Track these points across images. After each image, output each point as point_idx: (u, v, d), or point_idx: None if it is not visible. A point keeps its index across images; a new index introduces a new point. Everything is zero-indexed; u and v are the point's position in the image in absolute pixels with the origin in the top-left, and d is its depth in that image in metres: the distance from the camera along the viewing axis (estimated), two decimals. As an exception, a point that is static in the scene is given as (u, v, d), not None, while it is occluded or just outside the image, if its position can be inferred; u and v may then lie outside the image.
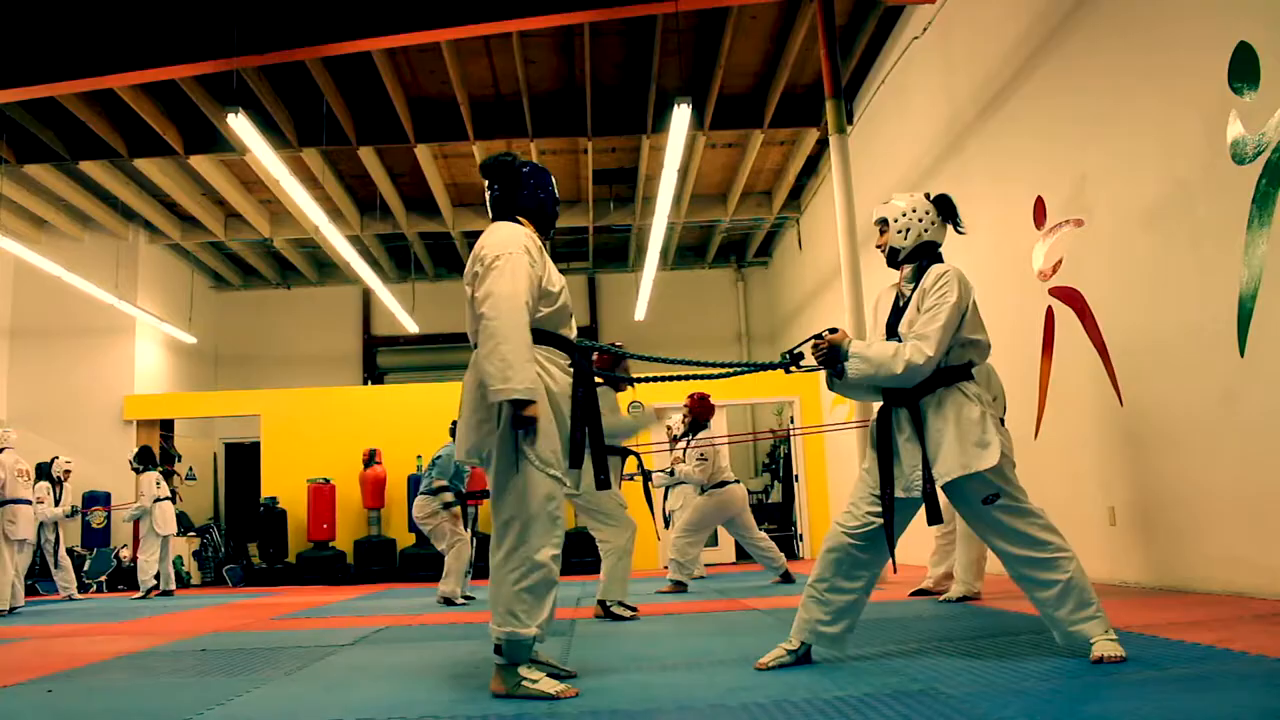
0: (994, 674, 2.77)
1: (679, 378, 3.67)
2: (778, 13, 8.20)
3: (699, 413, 7.29)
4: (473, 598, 7.06)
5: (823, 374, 3.19)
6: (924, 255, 3.17)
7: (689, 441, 7.35)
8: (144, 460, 9.63)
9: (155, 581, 9.36)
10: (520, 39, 8.18)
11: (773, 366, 3.35)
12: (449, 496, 6.92)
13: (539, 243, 3.08)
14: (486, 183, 3.22)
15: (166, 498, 9.48)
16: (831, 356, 3.06)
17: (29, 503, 8.11)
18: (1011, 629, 3.72)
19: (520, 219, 3.14)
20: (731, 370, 3.58)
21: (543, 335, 2.97)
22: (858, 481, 3.19)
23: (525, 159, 3.23)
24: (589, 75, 8.84)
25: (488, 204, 3.20)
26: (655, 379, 3.70)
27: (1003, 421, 5.20)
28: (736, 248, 14.79)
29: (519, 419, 2.78)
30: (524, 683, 2.79)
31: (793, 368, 3.26)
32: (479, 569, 7.58)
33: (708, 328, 14.68)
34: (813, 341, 3.13)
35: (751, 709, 2.49)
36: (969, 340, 3.07)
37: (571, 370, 3.04)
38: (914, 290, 3.12)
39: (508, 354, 2.76)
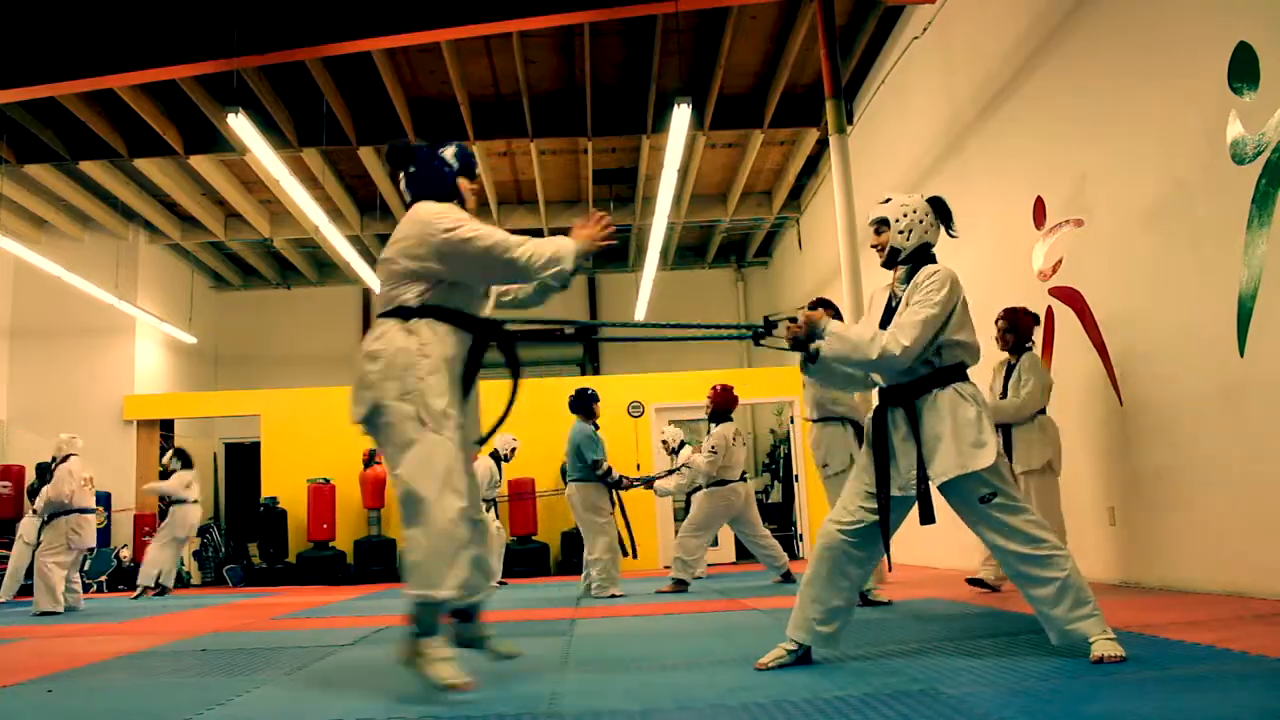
0: (994, 674, 2.77)
1: (648, 340, 3.64)
2: (778, 13, 8.20)
3: (719, 403, 7.24)
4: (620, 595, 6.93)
5: (797, 359, 3.17)
6: (919, 256, 3.20)
7: (709, 430, 7.34)
8: (182, 459, 9.66)
9: (153, 582, 9.37)
10: (520, 39, 8.18)
11: (740, 330, 3.35)
12: (612, 475, 6.95)
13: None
14: (400, 174, 3.28)
15: (194, 501, 9.46)
16: (809, 333, 3.06)
17: (93, 511, 8.09)
18: (1011, 629, 3.72)
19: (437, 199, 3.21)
20: (693, 332, 3.59)
21: (444, 312, 3.07)
22: (851, 479, 3.21)
23: (422, 142, 3.31)
24: (589, 75, 8.84)
25: (404, 191, 3.27)
26: (624, 339, 3.70)
27: (1044, 410, 5.20)
28: (736, 248, 14.80)
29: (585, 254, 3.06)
30: (423, 658, 2.79)
31: (764, 340, 3.26)
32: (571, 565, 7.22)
33: (708, 328, 14.68)
34: (785, 322, 3.12)
35: (751, 709, 2.49)
36: (957, 341, 3.08)
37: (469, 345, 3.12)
38: (906, 290, 3.14)
39: (535, 247, 3.02)
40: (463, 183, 3.29)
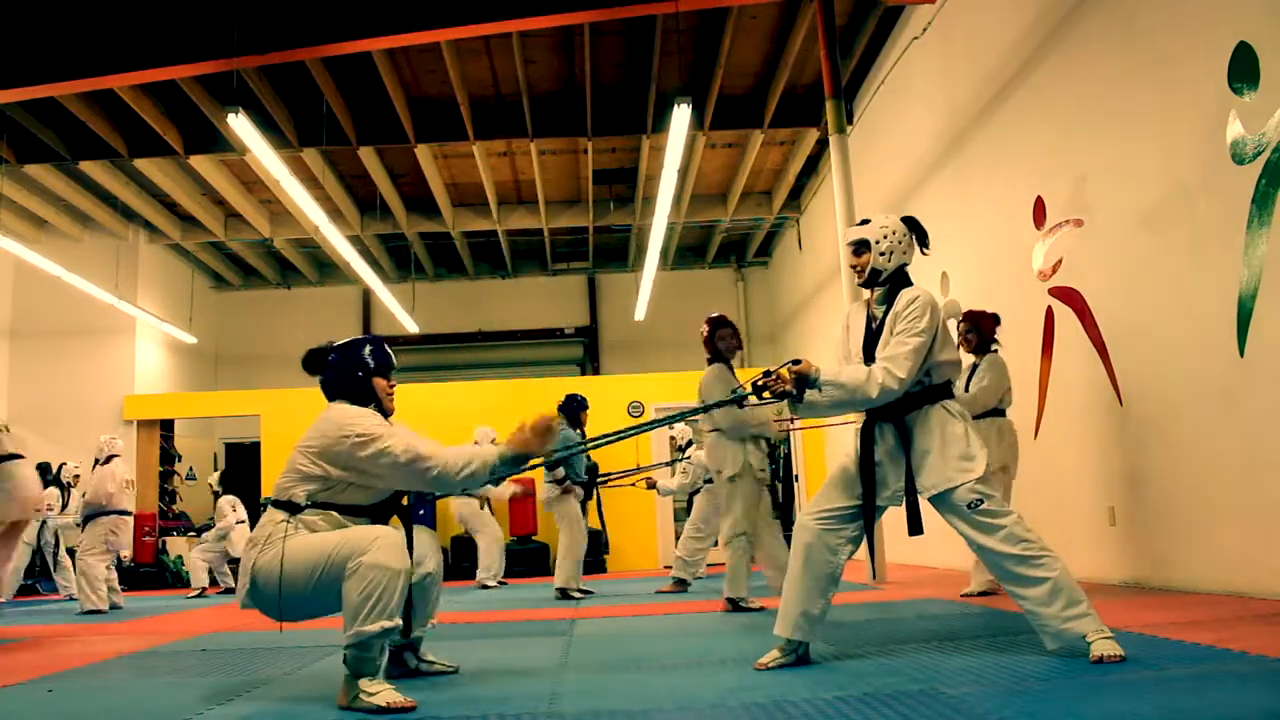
0: (994, 674, 2.77)
1: (648, 427, 3.68)
2: (778, 13, 8.20)
3: None
4: (590, 592, 6.99)
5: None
6: (896, 277, 3.27)
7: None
8: (225, 484, 9.70)
9: (206, 581, 9.32)
10: (520, 39, 8.17)
11: (730, 403, 3.33)
12: (560, 473, 6.95)
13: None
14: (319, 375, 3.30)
15: (242, 522, 9.38)
16: (799, 387, 3.09)
17: (130, 514, 8.05)
18: (1011, 629, 3.72)
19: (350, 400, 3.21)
20: (691, 414, 3.63)
21: (334, 506, 3.08)
22: (833, 476, 3.27)
23: (345, 340, 3.32)
24: (589, 75, 8.84)
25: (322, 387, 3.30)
26: (612, 438, 3.67)
27: (1003, 412, 5.27)
28: (736, 248, 14.79)
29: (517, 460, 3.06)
30: (362, 695, 2.78)
31: (749, 400, 3.28)
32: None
33: (708, 328, 14.66)
34: (763, 380, 3.15)
35: (751, 709, 2.50)
36: (943, 361, 3.17)
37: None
38: (885, 313, 3.22)
39: (455, 460, 3.03)
40: (379, 383, 3.26)
